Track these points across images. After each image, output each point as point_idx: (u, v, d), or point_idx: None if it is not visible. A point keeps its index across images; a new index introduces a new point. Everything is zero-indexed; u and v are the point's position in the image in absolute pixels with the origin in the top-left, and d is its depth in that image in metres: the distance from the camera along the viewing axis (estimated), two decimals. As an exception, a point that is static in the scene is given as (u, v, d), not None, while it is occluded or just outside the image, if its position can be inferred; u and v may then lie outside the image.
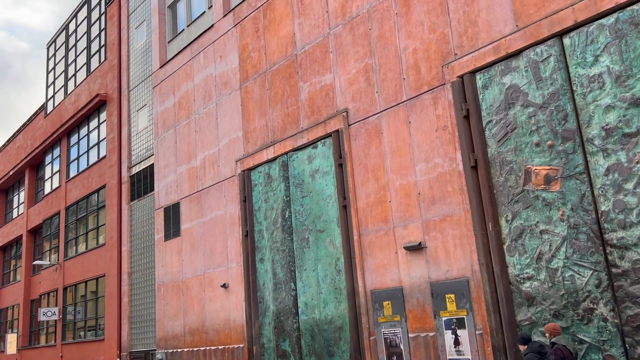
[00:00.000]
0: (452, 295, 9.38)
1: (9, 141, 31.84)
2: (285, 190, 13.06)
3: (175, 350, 16.14)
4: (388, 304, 10.45)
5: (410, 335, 10.04)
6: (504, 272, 8.73)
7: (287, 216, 12.93)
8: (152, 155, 18.76)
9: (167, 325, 16.66)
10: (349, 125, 11.76)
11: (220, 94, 15.80)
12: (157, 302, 17.30)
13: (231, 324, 14.30)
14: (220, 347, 14.52)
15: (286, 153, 13.24)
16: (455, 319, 9.31)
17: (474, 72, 9.50)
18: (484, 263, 8.92)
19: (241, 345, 13.86)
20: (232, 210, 14.84)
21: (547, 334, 7.88)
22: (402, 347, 10.07)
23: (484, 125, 9.29)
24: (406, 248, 10.13)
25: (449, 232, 9.59)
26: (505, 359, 8.54)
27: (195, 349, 15.38)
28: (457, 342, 9.25)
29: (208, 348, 14.92)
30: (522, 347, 7.77)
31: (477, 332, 9.01)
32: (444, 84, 9.93)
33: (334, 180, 11.95)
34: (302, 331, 12.17)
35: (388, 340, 10.34)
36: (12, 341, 26.61)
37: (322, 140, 12.35)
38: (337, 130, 11.92)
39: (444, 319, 9.49)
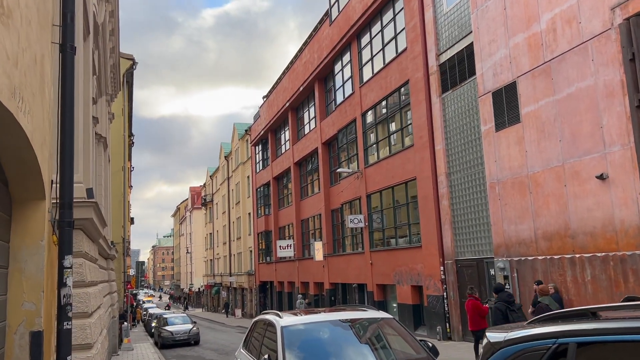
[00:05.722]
0: None
1: (294, 59, 32.60)
2: None
3: (522, 259, 13.52)
4: None
5: None
6: None
7: None
8: (469, 33, 15.79)
9: (507, 230, 14.07)
10: None
11: None
12: (490, 203, 14.79)
13: (616, 226, 10.89)
14: (598, 254, 11.30)
15: None
16: None
17: None
18: None
19: (637, 252, 10.40)
20: (608, 76, 11.05)
21: (537, 292, 10.49)
22: None
23: None
24: None
25: None
26: None
27: (556, 257, 12.47)
28: None
29: (577, 256, 11.84)
30: (495, 296, 9.50)
31: None
32: None
33: None
34: None
35: None
36: (319, 248, 27.75)
37: None
38: None
39: None
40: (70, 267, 4.31)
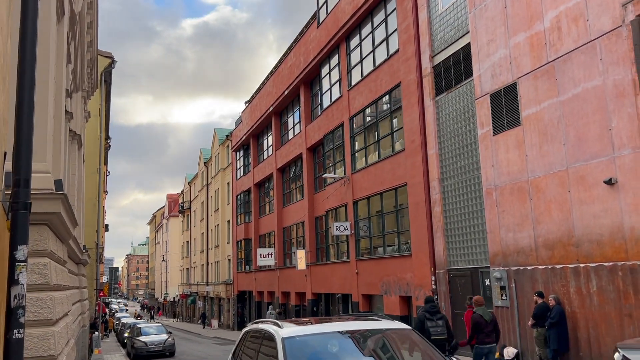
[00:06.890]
0: None
1: (279, 63, 31.85)
2: None
3: (521, 268, 12.86)
4: None
5: None
6: None
7: None
8: (466, 33, 15.22)
9: (505, 238, 13.42)
10: None
11: None
12: (486, 210, 14.14)
13: (625, 233, 10.29)
14: (605, 263, 10.68)
15: None
16: None
17: None
18: None
19: (650, 262, 9.81)
20: (617, 76, 10.51)
21: (474, 302, 11.17)
22: None
23: None
24: None
25: None
26: None
27: (558, 266, 11.83)
28: None
29: (582, 265, 11.22)
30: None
31: None
32: None
33: None
34: None
35: None
36: (301, 257, 26.80)
37: None
38: None
39: None
40: (25, 261, 3.44)
